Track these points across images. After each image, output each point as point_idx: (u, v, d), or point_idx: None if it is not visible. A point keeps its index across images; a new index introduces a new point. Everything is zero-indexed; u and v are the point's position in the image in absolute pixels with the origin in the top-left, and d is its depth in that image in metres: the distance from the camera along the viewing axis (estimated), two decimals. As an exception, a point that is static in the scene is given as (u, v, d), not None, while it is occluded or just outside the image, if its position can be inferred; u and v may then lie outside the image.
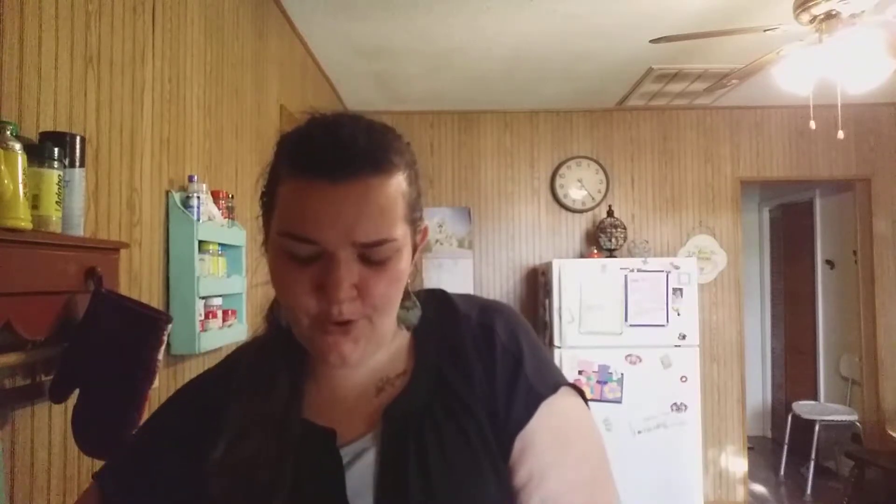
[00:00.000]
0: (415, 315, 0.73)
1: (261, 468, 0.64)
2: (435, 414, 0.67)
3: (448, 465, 0.65)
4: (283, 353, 0.70)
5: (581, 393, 0.73)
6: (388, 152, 0.63)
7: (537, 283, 4.26)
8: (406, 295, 0.70)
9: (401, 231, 0.63)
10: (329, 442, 0.67)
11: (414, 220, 0.66)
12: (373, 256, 0.62)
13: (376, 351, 0.68)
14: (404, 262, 0.65)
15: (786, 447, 4.95)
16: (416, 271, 0.72)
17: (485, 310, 0.74)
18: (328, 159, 0.60)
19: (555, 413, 0.68)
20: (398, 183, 0.63)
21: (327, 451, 0.66)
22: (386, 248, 0.62)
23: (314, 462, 0.66)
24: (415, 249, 0.69)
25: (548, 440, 0.67)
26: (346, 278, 0.60)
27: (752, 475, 4.55)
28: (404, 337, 0.73)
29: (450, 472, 0.64)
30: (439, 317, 0.74)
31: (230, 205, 1.97)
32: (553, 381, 0.70)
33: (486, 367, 0.69)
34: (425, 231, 0.71)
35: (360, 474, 0.65)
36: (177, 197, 1.70)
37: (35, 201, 1.05)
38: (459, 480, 0.65)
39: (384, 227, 0.61)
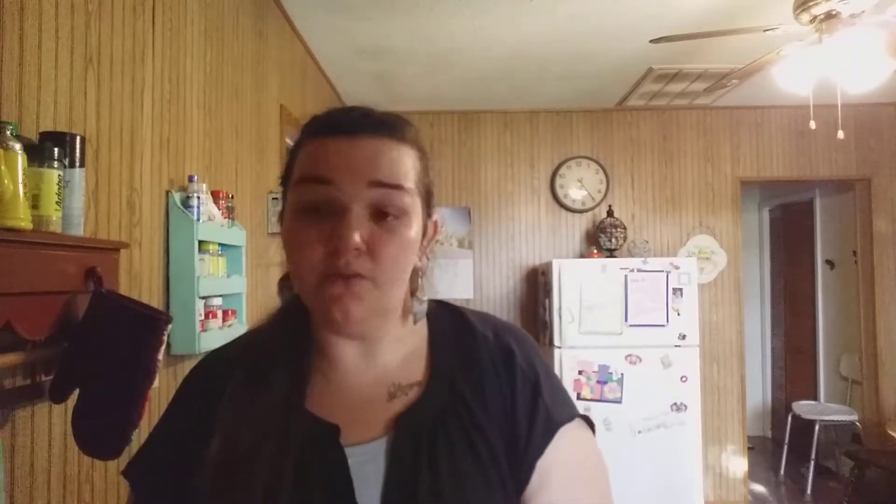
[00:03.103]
0: (423, 308, 0.74)
1: (258, 467, 0.63)
2: (449, 428, 0.67)
3: (459, 482, 0.65)
4: (286, 349, 0.69)
5: (591, 424, 0.74)
6: (403, 127, 0.68)
7: (537, 283, 4.26)
8: (417, 285, 0.72)
9: (413, 190, 0.66)
10: (333, 437, 0.66)
11: (426, 198, 0.69)
12: (385, 208, 0.63)
13: (381, 324, 0.69)
14: (414, 231, 0.66)
15: (786, 447, 4.95)
16: (427, 264, 0.73)
17: (501, 332, 0.75)
18: (345, 121, 0.66)
19: (570, 444, 0.70)
20: (410, 152, 0.67)
21: (331, 447, 0.66)
22: (398, 199, 0.64)
23: (318, 457, 0.66)
24: (425, 232, 0.70)
25: (563, 475, 0.68)
26: (356, 228, 0.62)
27: (752, 475, 4.55)
28: (420, 344, 0.73)
29: (460, 489, 0.65)
30: (455, 332, 0.74)
31: (230, 205, 1.97)
32: (569, 411, 0.72)
33: (506, 391, 0.70)
34: (436, 225, 0.72)
35: (367, 479, 0.65)
36: (177, 197, 1.70)
37: (35, 201, 1.05)
38: (469, 498, 0.65)
39: (399, 175, 0.65)
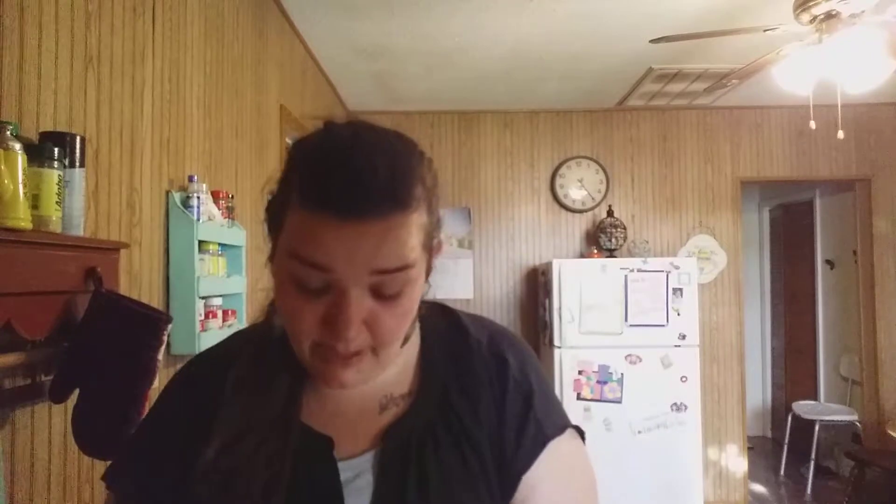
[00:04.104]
0: (413, 329, 0.70)
1: (257, 471, 0.62)
2: (438, 439, 0.66)
3: (447, 493, 0.64)
4: (283, 353, 0.67)
5: (581, 434, 0.73)
6: (410, 186, 0.58)
7: (537, 283, 4.26)
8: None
9: (418, 259, 0.60)
10: (326, 450, 0.65)
11: (431, 247, 0.64)
12: (386, 289, 0.59)
13: (379, 375, 0.66)
14: (417, 293, 0.62)
15: (786, 447, 4.95)
16: (430, 286, 0.69)
17: (495, 338, 0.73)
18: (344, 197, 0.55)
19: (560, 457, 0.68)
20: (419, 216, 0.59)
21: (324, 460, 0.65)
22: (402, 277, 0.59)
23: (310, 470, 0.65)
24: (429, 272, 0.66)
25: (552, 487, 0.67)
26: (357, 316, 0.58)
27: (752, 475, 4.55)
28: (412, 353, 0.71)
29: (449, 501, 0.64)
30: (449, 337, 0.72)
31: (230, 205, 1.97)
32: (560, 422, 0.70)
33: (497, 400, 0.68)
34: (439, 246, 0.67)
35: (358, 493, 0.64)
36: (177, 197, 1.70)
37: (35, 201, 1.05)
38: None
39: (405, 255, 0.58)
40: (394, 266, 0.58)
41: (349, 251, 0.56)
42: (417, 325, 0.72)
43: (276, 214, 0.62)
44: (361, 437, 0.67)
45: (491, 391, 0.69)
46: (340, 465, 0.65)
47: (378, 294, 0.59)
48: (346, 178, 0.56)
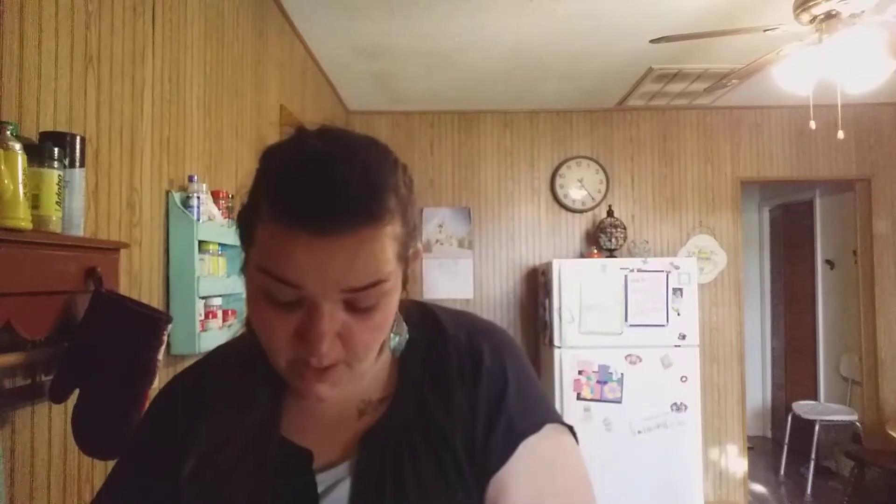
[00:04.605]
0: (402, 341, 0.69)
1: (237, 483, 0.62)
2: (413, 444, 0.64)
3: (424, 499, 0.63)
4: (264, 365, 0.64)
5: (570, 429, 0.70)
6: (384, 198, 0.57)
7: (537, 283, 4.26)
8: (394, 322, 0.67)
9: (393, 271, 0.59)
10: (306, 464, 0.65)
11: (406, 257, 0.62)
12: (360, 303, 0.58)
13: (357, 386, 0.66)
14: (392, 304, 0.61)
15: (786, 447, 4.95)
16: (407, 294, 0.67)
17: (474, 332, 0.71)
18: (315, 210, 0.54)
19: (535, 456, 0.65)
20: (393, 229, 0.58)
21: (303, 474, 0.64)
22: (376, 291, 0.58)
23: (289, 484, 0.64)
24: (405, 282, 0.64)
25: (524, 488, 0.64)
26: (330, 330, 0.57)
27: (752, 475, 4.55)
28: (389, 356, 0.70)
29: None
30: (426, 337, 0.70)
31: (230, 205, 1.97)
32: (537, 419, 0.67)
33: (469, 396, 0.66)
34: (416, 254, 0.66)
35: (336, 503, 0.63)
36: (177, 197, 1.70)
37: (35, 201, 1.05)
38: None
39: (378, 270, 0.57)
40: (367, 282, 0.57)
41: (321, 267, 0.55)
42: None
43: (246, 225, 0.61)
44: (340, 445, 0.66)
45: (463, 387, 0.66)
46: (319, 476, 0.64)
47: (352, 307, 0.58)
48: (318, 192, 0.54)
